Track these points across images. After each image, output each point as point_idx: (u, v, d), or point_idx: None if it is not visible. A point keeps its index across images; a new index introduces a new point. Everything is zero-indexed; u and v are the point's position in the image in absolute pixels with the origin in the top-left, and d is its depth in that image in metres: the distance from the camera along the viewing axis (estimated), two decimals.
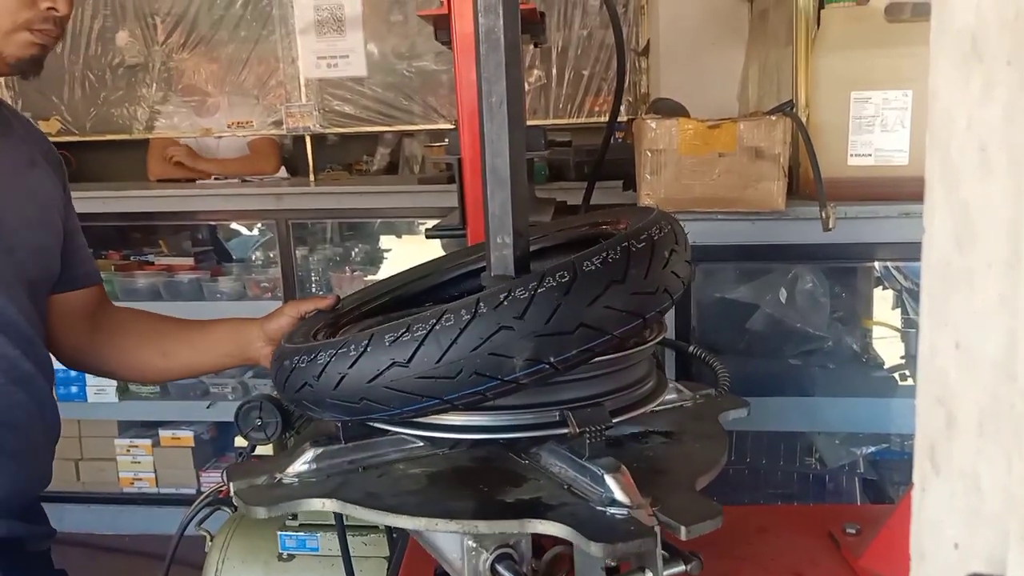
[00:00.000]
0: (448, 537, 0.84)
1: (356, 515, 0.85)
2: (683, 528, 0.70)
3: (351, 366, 0.81)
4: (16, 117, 1.32)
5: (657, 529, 0.71)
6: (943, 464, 0.34)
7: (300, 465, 0.91)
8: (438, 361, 0.77)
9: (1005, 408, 0.29)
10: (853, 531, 1.12)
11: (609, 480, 0.76)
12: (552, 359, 0.77)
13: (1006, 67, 0.29)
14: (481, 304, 0.77)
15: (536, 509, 0.79)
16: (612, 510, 0.76)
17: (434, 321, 0.78)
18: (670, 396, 1.04)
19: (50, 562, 1.35)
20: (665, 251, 0.83)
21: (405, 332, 0.79)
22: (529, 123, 1.14)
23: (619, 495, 0.76)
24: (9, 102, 1.38)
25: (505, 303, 0.76)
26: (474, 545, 0.79)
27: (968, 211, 0.32)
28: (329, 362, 0.83)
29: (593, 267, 0.77)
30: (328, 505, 0.86)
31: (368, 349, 0.80)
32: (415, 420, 0.88)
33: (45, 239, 1.28)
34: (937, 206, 0.34)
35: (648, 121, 1.79)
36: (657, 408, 0.99)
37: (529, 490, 0.84)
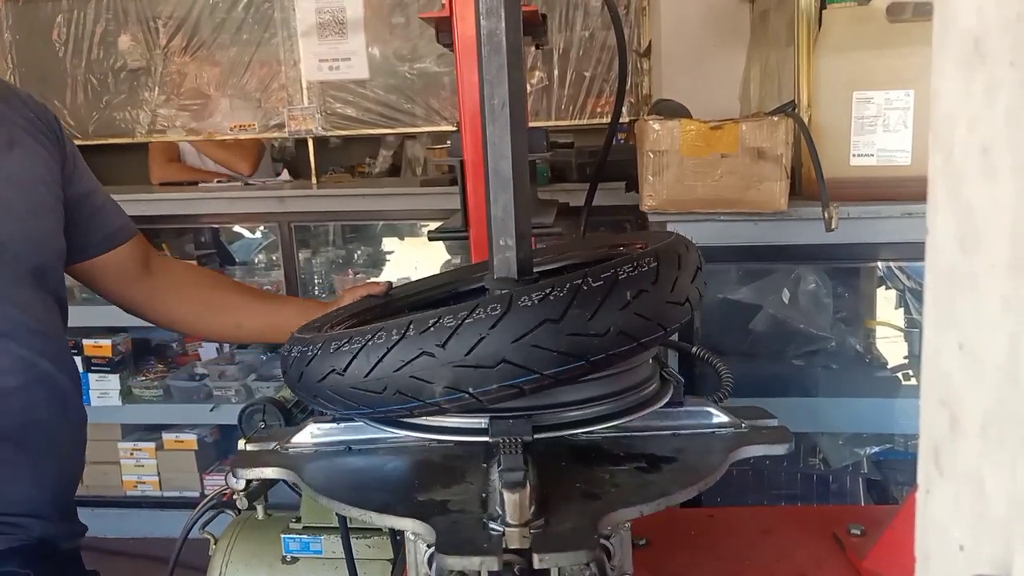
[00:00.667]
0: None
1: (304, 490, 0.88)
2: (535, 556, 0.69)
3: (307, 364, 0.84)
4: None
5: (503, 553, 0.70)
6: (947, 467, 0.34)
7: (298, 438, 0.94)
8: (366, 375, 0.78)
9: (1009, 412, 0.29)
10: (857, 532, 1.12)
11: (505, 495, 0.74)
12: (472, 390, 0.76)
13: (1009, 68, 0.29)
14: (411, 326, 0.77)
15: (427, 510, 0.78)
16: (493, 525, 0.74)
17: (370, 336, 0.78)
18: (704, 421, 0.96)
19: (80, 561, 1.35)
20: (629, 292, 0.77)
21: (346, 343, 0.80)
22: (531, 125, 1.13)
23: (508, 512, 0.73)
24: None
25: (432, 329, 0.76)
26: (412, 538, 0.79)
27: (972, 213, 0.32)
28: (296, 357, 0.86)
29: (529, 303, 0.75)
30: (290, 476, 0.89)
31: (319, 352, 0.83)
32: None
33: (38, 223, 1.23)
34: (940, 208, 0.34)
35: (650, 122, 1.79)
36: (683, 432, 0.94)
37: (450, 492, 0.82)
